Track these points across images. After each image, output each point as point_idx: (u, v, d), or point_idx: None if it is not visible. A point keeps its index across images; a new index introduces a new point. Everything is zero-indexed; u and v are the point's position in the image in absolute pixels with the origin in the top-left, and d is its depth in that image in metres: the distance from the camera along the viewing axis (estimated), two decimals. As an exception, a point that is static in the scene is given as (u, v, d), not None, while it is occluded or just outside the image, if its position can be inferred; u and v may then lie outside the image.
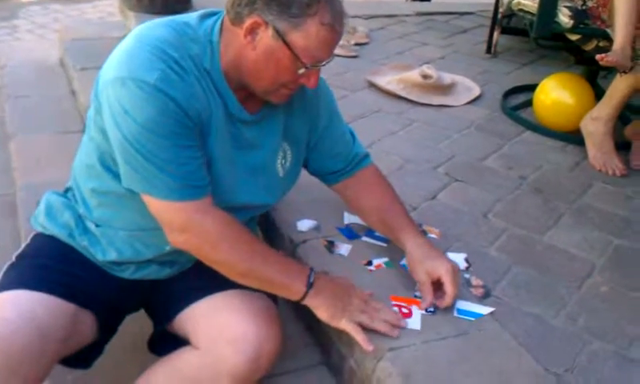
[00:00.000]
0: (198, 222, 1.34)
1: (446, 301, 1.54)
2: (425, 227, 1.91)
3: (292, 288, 1.43)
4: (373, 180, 1.74)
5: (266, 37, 1.31)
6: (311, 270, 1.46)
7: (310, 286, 1.42)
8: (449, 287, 1.53)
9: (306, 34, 1.31)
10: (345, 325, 1.44)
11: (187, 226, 1.34)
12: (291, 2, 1.28)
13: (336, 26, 1.33)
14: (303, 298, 1.42)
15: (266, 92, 1.41)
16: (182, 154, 1.31)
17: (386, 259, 1.74)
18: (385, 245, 1.79)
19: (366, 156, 1.76)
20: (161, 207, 1.33)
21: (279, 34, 1.30)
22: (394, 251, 1.75)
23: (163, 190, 1.31)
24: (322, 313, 1.45)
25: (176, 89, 1.28)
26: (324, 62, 1.37)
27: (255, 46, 1.33)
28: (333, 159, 1.70)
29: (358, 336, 1.44)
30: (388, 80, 3.09)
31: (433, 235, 1.89)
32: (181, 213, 1.33)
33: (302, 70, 1.36)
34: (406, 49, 3.74)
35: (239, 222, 1.41)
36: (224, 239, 1.36)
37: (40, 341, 1.27)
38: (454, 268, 1.57)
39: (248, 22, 1.31)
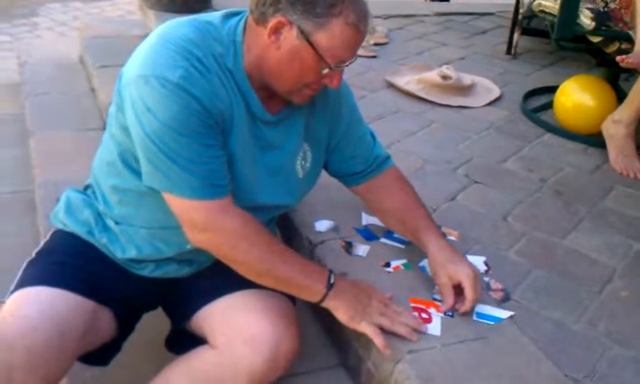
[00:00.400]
0: (219, 220, 1.34)
1: (466, 306, 1.53)
2: (444, 229, 1.89)
3: (312, 289, 1.42)
4: (394, 182, 1.73)
5: (290, 37, 1.31)
6: (331, 271, 1.45)
7: (330, 287, 1.41)
8: (469, 292, 1.52)
9: (330, 34, 1.30)
10: (364, 327, 1.43)
11: (208, 224, 1.34)
12: (315, 1, 1.28)
13: (360, 25, 1.33)
14: (323, 299, 1.42)
15: (288, 92, 1.41)
16: (204, 152, 1.31)
17: (404, 261, 1.73)
18: (403, 246, 1.78)
19: (387, 158, 1.75)
20: (182, 205, 1.33)
21: (304, 34, 1.30)
22: (413, 253, 1.74)
23: (185, 188, 1.31)
24: (342, 314, 1.43)
25: (199, 87, 1.28)
26: (348, 63, 1.37)
27: (279, 45, 1.32)
28: (353, 160, 1.69)
29: (377, 339, 1.42)
30: (407, 80, 3.08)
31: (452, 237, 1.87)
32: (202, 211, 1.33)
33: (325, 71, 1.35)
34: (425, 49, 3.72)
35: (259, 222, 1.40)
36: (243, 238, 1.36)
37: (60, 338, 1.28)
38: (476, 273, 1.55)
39: (272, 21, 1.30)
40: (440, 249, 1.60)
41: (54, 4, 5.86)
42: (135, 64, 1.32)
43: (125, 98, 1.33)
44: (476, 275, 1.55)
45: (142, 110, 1.28)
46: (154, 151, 1.29)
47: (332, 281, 1.42)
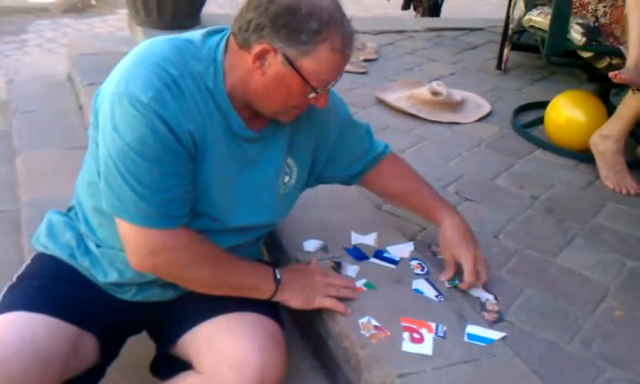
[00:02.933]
0: (166, 247, 1.33)
1: (462, 287, 1.67)
2: (434, 248, 1.87)
3: (262, 289, 1.47)
4: (393, 167, 1.80)
5: (275, 63, 1.29)
6: (274, 267, 1.52)
7: (277, 282, 1.48)
8: (467, 276, 1.64)
9: (316, 60, 1.29)
10: (319, 303, 1.54)
11: (156, 251, 1.33)
12: (300, 29, 1.26)
13: (346, 50, 1.32)
14: (273, 295, 1.48)
15: (274, 113, 1.40)
16: (164, 180, 1.28)
17: (364, 280, 1.68)
18: (393, 266, 1.75)
19: (385, 147, 1.79)
20: (130, 231, 1.32)
21: (289, 61, 1.29)
22: (403, 272, 1.71)
23: (136, 214, 1.29)
24: (295, 302, 1.51)
25: (169, 110, 1.26)
26: (332, 83, 1.36)
27: (264, 71, 1.31)
28: (353, 164, 1.74)
29: (338, 307, 1.54)
30: (397, 97, 3.06)
31: (442, 256, 1.84)
32: (150, 238, 1.32)
33: (312, 94, 1.35)
34: (415, 65, 3.71)
35: (206, 238, 1.40)
36: (192, 259, 1.37)
37: (41, 364, 1.25)
38: (479, 258, 1.67)
39: (256, 48, 1.29)
40: (451, 226, 1.71)
41: (44, 20, 5.85)
42: (111, 82, 1.31)
43: (99, 115, 1.32)
44: (478, 259, 1.67)
45: (109, 129, 1.27)
46: (112, 172, 1.28)
47: (278, 276, 1.49)
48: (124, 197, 1.28)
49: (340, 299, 1.56)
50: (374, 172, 1.77)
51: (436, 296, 1.65)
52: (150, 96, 1.24)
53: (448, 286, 1.68)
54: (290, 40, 1.27)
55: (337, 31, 1.29)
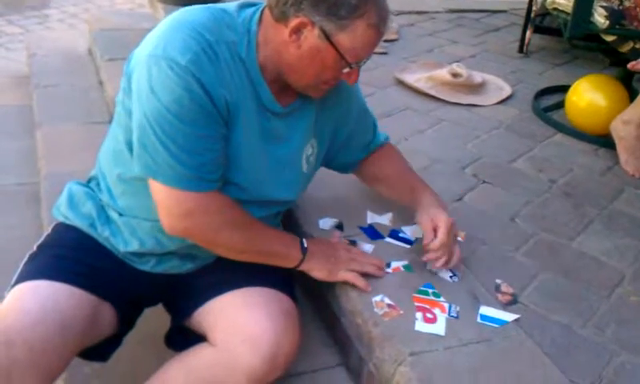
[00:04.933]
0: (200, 209, 1.34)
1: (432, 247, 1.57)
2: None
3: (290, 257, 1.49)
4: (386, 154, 1.80)
5: (311, 36, 1.31)
6: (301, 237, 1.53)
7: (304, 251, 1.50)
8: (441, 233, 1.56)
9: (352, 35, 1.31)
10: (342, 276, 1.55)
11: (189, 213, 1.34)
12: (339, 3, 1.27)
13: (381, 26, 1.34)
14: (299, 264, 1.50)
15: (306, 87, 1.42)
16: (199, 143, 1.30)
17: (405, 262, 1.69)
18: (408, 247, 1.75)
19: (385, 139, 1.81)
20: (164, 192, 1.33)
21: (326, 35, 1.30)
22: (419, 253, 1.71)
23: (170, 175, 1.30)
24: (318, 273, 1.54)
25: (206, 73, 1.28)
26: (366, 60, 1.38)
27: (300, 44, 1.32)
28: (356, 152, 1.76)
29: (359, 282, 1.55)
30: (417, 78, 3.05)
31: (458, 238, 1.84)
32: (184, 201, 1.33)
33: (345, 69, 1.36)
34: (435, 46, 3.68)
35: (237, 204, 1.41)
36: (225, 222, 1.39)
37: (61, 332, 1.27)
38: (453, 223, 1.60)
39: (294, 21, 1.30)
40: (429, 198, 1.68)
41: (66, -5, 5.86)
42: (147, 45, 1.32)
43: (132, 80, 1.33)
44: (453, 224, 1.60)
45: (145, 90, 1.28)
46: (148, 133, 1.28)
47: (305, 246, 1.50)
48: (159, 158, 1.29)
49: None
50: (371, 159, 1.79)
51: (450, 277, 1.65)
52: (188, 59, 1.26)
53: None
54: (329, 14, 1.28)
55: (374, 7, 1.30)
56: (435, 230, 1.58)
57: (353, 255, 1.61)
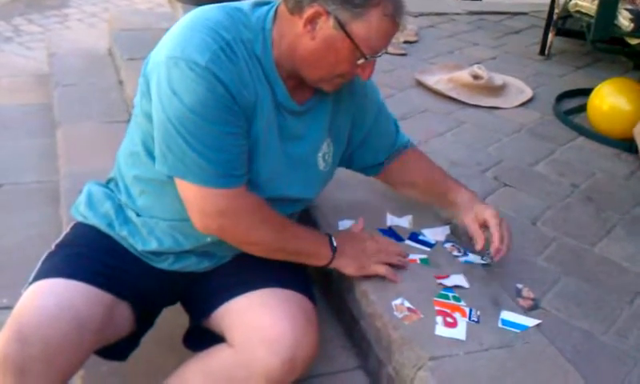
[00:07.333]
0: (233, 207, 1.35)
1: (495, 244, 1.58)
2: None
3: (320, 254, 1.50)
4: (414, 158, 1.79)
5: (326, 27, 1.30)
6: (330, 235, 1.53)
7: (334, 249, 1.50)
8: (494, 230, 1.59)
9: (367, 25, 1.30)
10: (374, 270, 1.56)
11: (223, 211, 1.34)
12: None
13: (396, 17, 1.33)
14: (330, 261, 1.50)
15: (320, 80, 1.41)
16: (224, 140, 1.30)
17: (422, 256, 1.68)
18: (428, 249, 1.74)
19: (408, 141, 1.80)
20: (194, 192, 1.33)
21: (340, 25, 1.29)
22: (437, 255, 1.70)
23: (200, 175, 1.30)
24: (350, 269, 1.54)
25: (226, 72, 1.27)
26: (380, 53, 1.37)
27: (314, 35, 1.32)
28: (378, 153, 1.74)
29: (391, 275, 1.56)
30: (437, 79, 3.03)
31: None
32: (214, 199, 1.33)
33: (360, 61, 1.35)
34: (455, 48, 3.66)
35: (268, 204, 1.41)
36: (258, 221, 1.39)
37: (77, 331, 1.27)
38: (498, 214, 1.62)
39: (309, 11, 1.30)
40: (467, 197, 1.71)
41: (86, -5, 5.90)
42: (164, 47, 1.32)
43: (151, 82, 1.33)
44: (498, 215, 1.61)
45: (166, 92, 1.27)
46: (172, 135, 1.28)
47: (335, 243, 1.50)
48: (186, 159, 1.29)
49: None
50: (397, 164, 1.77)
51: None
52: (208, 58, 1.26)
53: (483, 261, 1.67)
54: (344, 3, 1.28)
55: None
56: (481, 226, 1.62)
57: (380, 245, 1.61)
